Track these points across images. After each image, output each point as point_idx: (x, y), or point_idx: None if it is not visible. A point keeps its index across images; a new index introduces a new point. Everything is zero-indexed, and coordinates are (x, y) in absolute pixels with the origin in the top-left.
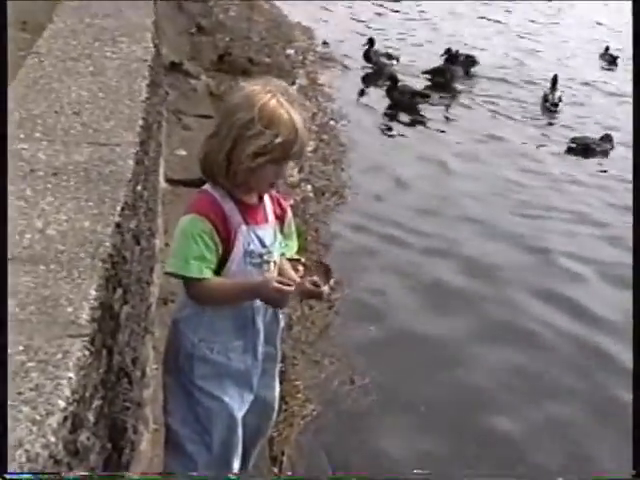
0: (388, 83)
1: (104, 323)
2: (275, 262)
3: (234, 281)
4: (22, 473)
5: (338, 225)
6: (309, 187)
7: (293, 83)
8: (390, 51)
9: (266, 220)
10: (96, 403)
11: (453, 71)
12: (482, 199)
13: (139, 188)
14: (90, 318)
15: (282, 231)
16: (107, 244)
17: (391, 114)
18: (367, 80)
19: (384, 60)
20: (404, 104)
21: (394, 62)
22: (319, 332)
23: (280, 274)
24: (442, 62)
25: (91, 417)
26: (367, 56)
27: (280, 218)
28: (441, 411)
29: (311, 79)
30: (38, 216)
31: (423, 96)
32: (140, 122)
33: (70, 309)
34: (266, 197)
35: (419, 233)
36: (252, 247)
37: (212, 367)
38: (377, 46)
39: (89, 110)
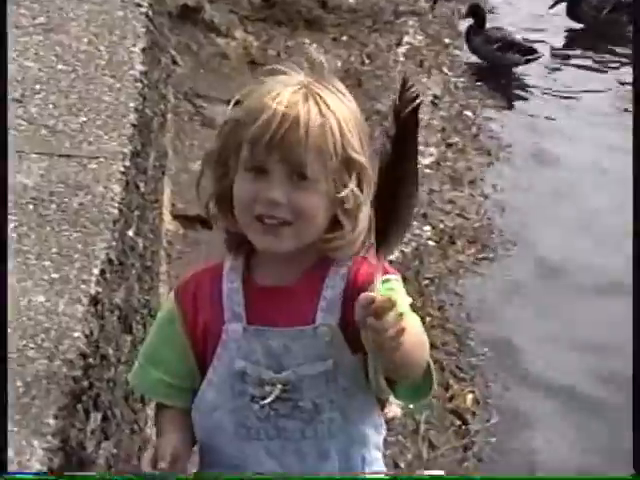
0: (470, 21)
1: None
2: (316, 403)
3: (172, 424)
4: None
5: (480, 299)
6: (427, 229)
7: (398, 43)
8: None
9: (301, 319)
10: None
11: None
12: None
13: (130, 233)
14: (46, 468)
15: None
16: (76, 334)
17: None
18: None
19: None
20: (491, 60)
21: None
22: None
23: None
24: None
25: None
26: None
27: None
28: None
29: (431, 35)
30: None
31: (528, 52)
32: (131, 116)
33: (11, 453)
34: (341, 271)
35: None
36: (243, 365)
37: None
38: None
39: (41, 95)
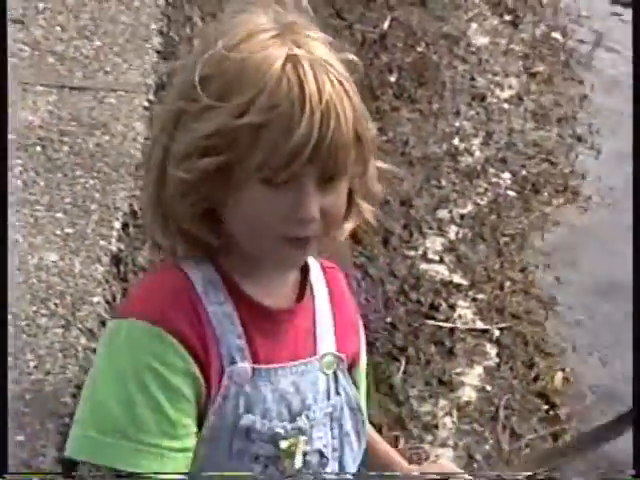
0: None
1: None
2: (322, 452)
3: None
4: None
5: (571, 259)
6: (507, 176)
7: None
8: None
9: (310, 349)
10: None
11: None
12: None
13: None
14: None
15: (351, 372)
16: (95, 299)
17: None
18: None
19: None
20: None
21: None
22: None
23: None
24: None
25: None
26: None
27: (351, 343)
28: None
29: None
30: None
31: None
32: (155, 41)
33: (22, 437)
34: (321, 288)
35: None
36: (253, 419)
37: None
38: None
39: (46, 15)
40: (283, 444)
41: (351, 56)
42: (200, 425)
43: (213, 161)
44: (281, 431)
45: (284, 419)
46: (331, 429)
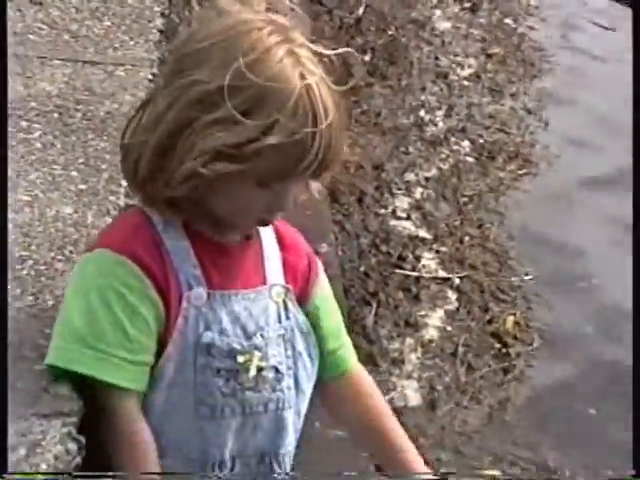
0: None
1: None
2: (277, 369)
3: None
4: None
5: (522, 217)
6: (466, 144)
7: None
8: None
9: (260, 280)
10: None
11: None
12: None
13: None
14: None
15: (304, 306)
16: None
17: None
18: None
19: None
20: None
21: None
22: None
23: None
24: None
25: None
26: None
27: (300, 280)
28: None
29: None
30: None
31: None
32: (158, 22)
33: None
34: (268, 230)
35: None
36: (212, 336)
37: None
38: None
39: None
40: (240, 358)
41: (349, 50)
42: (163, 347)
43: (231, 167)
44: (238, 347)
45: (240, 337)
46: (285, 349)
